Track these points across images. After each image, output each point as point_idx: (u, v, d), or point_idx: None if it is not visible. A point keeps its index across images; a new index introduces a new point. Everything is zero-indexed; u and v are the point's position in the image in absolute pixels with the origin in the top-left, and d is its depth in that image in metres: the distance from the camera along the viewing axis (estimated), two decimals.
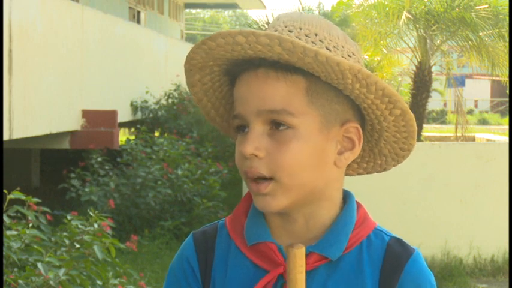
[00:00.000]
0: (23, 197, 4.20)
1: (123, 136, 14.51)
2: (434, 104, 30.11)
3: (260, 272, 1.25)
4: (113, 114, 9.61)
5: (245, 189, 8.42)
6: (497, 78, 10.13)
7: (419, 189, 7.28)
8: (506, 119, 30.07)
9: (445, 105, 36.16)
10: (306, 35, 1.21)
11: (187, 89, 14.01)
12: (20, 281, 3.73)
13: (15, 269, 4.04)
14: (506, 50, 8.98)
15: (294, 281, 1.17)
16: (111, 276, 4.40)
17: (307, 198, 1.23)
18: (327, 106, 1.21)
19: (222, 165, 10.46)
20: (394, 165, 1.34)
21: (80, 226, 4.48)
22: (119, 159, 9.45)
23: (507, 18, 8.91)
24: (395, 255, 1.25)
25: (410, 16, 8.92)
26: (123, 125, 12.82)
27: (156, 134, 12.78)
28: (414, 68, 9.49)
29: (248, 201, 1.32)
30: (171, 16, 21.12)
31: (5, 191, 4.20)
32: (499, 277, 7.16)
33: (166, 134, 12.27)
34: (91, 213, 4.58)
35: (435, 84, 18.31)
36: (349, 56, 1.23)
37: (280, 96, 1.19)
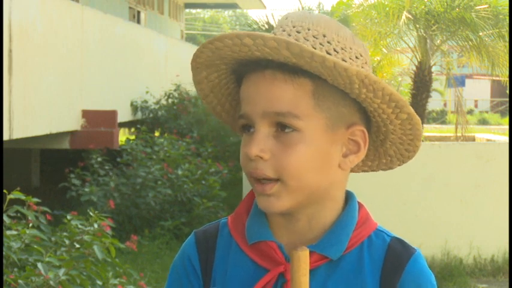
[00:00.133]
0: (23, 197, 4.20)
1: (123, 136, 14.51)
2: (434, 104, 30.13)
3: (261, 270, 1.25)
4: (113, 114, 9.61)
5: (245, 189, 8.42)
6: (497, 78, 10.12)
7: (419, 189, 7.28)
8: (506, 119, 30.07)
9: (445, 105, 36.16)
10: (314, 36, 1.21)
11: (187, 89, 14.02)
12: (20, 281, 3.73)
13: (15, 269, 4.04)
14: (506, 50, 8.98)
15: (298, 283, 1.16)
16: (111, 276, 4.40)
17: (310, 199, 1.23)
18: (333, 109, 1.21)
19: (222, 165, 10.46)
20: (399, 165, 1.34)
21: (80, 226, 4.48)
22: (119, 159, 9.45)
23: (507, 18, 8.90)
24: (396, 255, 1.25)
25: (410, 16, 8.92)
26: (123, 125, 12.82)
27: (156, 134, 12.78)
28: (414, 68, 9.48)
29: (250, 200, 1.32)
30: (171, 16, 21.12)
31: (5, 191, 4.20)
32: (499, 277, 7.16)
33: (166, 134, 12.27)
34: (91, 213, 4.58)
35: (435, 84, 18.31)
36: (356, 57, 1.23)
37: (287, 99, 1.19)
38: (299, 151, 1.19)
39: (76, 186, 8.52)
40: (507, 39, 8.91)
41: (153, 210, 8.49)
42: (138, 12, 17.50)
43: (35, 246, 4.10)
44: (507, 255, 7.25)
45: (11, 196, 4.17)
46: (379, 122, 1.25)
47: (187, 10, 30.47)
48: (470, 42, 9.22)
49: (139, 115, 12.54)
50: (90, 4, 12.30)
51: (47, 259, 3.96)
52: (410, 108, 1.22)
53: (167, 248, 7.81)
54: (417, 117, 1.24)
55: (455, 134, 9.95)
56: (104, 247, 4.25)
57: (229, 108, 1.34)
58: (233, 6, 26.63)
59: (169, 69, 14.63)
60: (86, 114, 9.38)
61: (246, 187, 8.26)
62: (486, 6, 8.90)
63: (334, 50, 1.21)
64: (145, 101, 12.60)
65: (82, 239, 4.35)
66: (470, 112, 33.26)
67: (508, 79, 9.41)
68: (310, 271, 1.22)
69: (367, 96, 1.19)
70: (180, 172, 9.03)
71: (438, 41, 9.45)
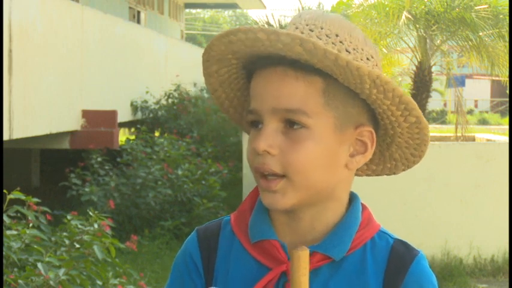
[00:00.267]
0: (23, 197, 4.20)
1: (123, 136, 14.51)
2: (434, 104, 30.13)
3: (263, 269, 1.25)
4: (113, 114, 9.61)
5: (245, 189, 8.42)
6: (497, 78, 10.12)
7: (419, 189, 7.28)
8: (506, 119, 30.07)
9: (445, 105, 36.16)
10: (327, 35, 1.21)
11: (187, 89, 14.03)
12: (20, 281, 3.73)
13: (15, 269, 4.04)
14: (506, 50, 8.98)
15: (298, 283, 1.16)
16: (111, 276, 4.40)
17: (315, 198, 1.23)
18: (343, 108, 1.21)
19: (222, 165, 10.45)
20: (403, 170, 1.34)
21: (79, 226, 4.48)
22: (119, 159, 9.45)
23: (507, 18, 8.90)
24: (400, 257, 1.25)
25: (410, 16, 8.92)
26: (123, 125, 12.82)
27: (156, 134, 12.78)
28: (414, 68, 9.48)
29: (254, 198, 1.31)
30: (171, 16, 21.13)
31: (5, 191, 4.20)
32: (499, 277, 7.16)
33: (166, 134, 12.27)
34: (91, 213, 4.58)
35: (435, 84, 18.31)
36: (367, 59, 1.23)
37: (297, 96, 1.19)
38: (307, 148, 1.19)
39: (76, 186, 8.53)
40: (507, 39, 8.91)
41: (153, 210, 8.49)
42: (138, 12, 17.50)
43: (35, 246, 4.10)
44: (507, 255, 7.25)
45: (11, 196, 4.17)
46: (387, 125, 1.25)
47: (187, 10, 30.47)
48: (470, 42, 9.22)
49: (139, 115, 12.54)
50: (90, 4, 12.31)
51: (47, 259, 3.96)
52: (419, 111, 1.22)
53: (167, 248, 7.81)
54: (425, 121, 1.24)
55: (455, 134, 9.94)
56: (104, 247, 4.25)
57: (237, 104, 1.33)
58: (233, 6, 26.64)
59: (169, 69, 14.63)
60: (86, 114, 9.38)
61: (246, 187, 8.26)
62: (486, 6, 8.90)
63: (346, 50, 1.21)
64: (145, 101, 12.60)
65: (82, 239, 4.35)
66: (470, 112, 33.27)
67: (508, 79, 9.41)
68: (313, 271, 1.22)
69: (377, 97, 1.19)
70: (180, 172, 9.03)
71: (438, 41, 9.45)
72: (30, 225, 4.32)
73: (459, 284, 6.89)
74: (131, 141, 10.08)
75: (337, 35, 1.22)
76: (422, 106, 9.36)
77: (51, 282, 3.75)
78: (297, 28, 1.22)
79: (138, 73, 12.43)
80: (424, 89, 9.33)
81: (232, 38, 1.20)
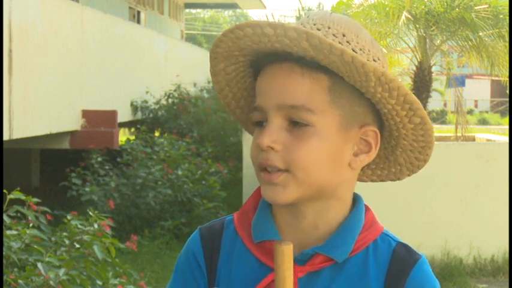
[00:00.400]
0: (23, 197, 4.20)
1: (123, 136, 14.51)
2: (434, 104, 30.12)
3: (265, 269, 1.25)
4: (113, 114, 9.61)
5: (245, 189, 8.42)
6: (497, 78, 10.12)
7: (420, 189, 7.27)
8: (506, 119, 30.07)
9: (445, 105, 36.15)
10: (334, 35, 1.21)
11: (187, 89, 14.03)
12: (20, 281, 3.73)
13: (15, 269, 4.04)
14: (506, 50, 8.98)
15: (282, 278, 1.16)
16: (111, 276, 4.40)
17: (318, 195, 1.22)
18: (348, 107, 1.21)
19: (222, 165, 10.46)
20: (408, 175, 1.34)
21: (79, 226, 4.48)
22: (119, 159, 9.45)
23: (507, 18, 8.90)
24: (402, 261, 1.25)
25: (410, 16, 8.92)
26: (123, 125, 12.82)
27: (156, 134, 12.78)
28: (414, 68, 9.48)
29: (257, 198, 1.31)
30: (171, 16, 21.13)
31: (5, 191, 4.20)
32: (499, 277, 7.16)
33: (166, 134, 12.27)
34: (91, 213, 4.58)
35: (435, 84, 18.31)
36: (374, 60, 1.23)
37: (303, 93, 1.19)
38: (311, 144, 1.19)
39: (77, 186, 8.53)
40: (507, 39, 8.90)
41: (153, 210, 8.49)
42: (138, 12, 17.50)
43: (35, 246, 4.10)
44: (507, 255, 7.25)
45: (11, 196, 4.17)
46: (392, 126, 1.25)
47: (187, 10, 30.47)
48: (470, 42, 9.22)
49: (139, 115, 12.54)
50: (90, 4, 12.30)
51: (47, 259, 3.96)
52: (424, 112, 1.22)
53: (167, 248, 7.81)
54: (430, 123, 1.24)
55: (455, 134, 9.94)
56: (104, 247, 4.25)
57: (244, 104, 1.33)
58: (233, 6, 26.63)
59: (169, 69, 14.63)
60: (86, 114, 9.38)
61: (246, 187, 8.26)
62: (486, 6, 8.90)
63: (353, 50, 1.21)
64: (145, 101, 12.60)
65: (82, 239, 4.35)
66: (470, 112, 33.26)
67: (508, 79, 9.41)
68: (315, 272, 1.22)
69: (382, 96, 1.19)
70: (180, 172, 9.03)
71: (438, 41, 9.45)
72: (30, 225, 4.32)
73: (459, 284, 6.89)
74: (131, 141, 10.08)
75: (344, 35, 1.22)
76: (423, 106, 9.35)
77: (51, 282, 3.75)
78: (304, 27, 1.22)
79: (138, 73, 12.43)
80: (424, 89, 9.33)
81: (238, 33, 1.19)
